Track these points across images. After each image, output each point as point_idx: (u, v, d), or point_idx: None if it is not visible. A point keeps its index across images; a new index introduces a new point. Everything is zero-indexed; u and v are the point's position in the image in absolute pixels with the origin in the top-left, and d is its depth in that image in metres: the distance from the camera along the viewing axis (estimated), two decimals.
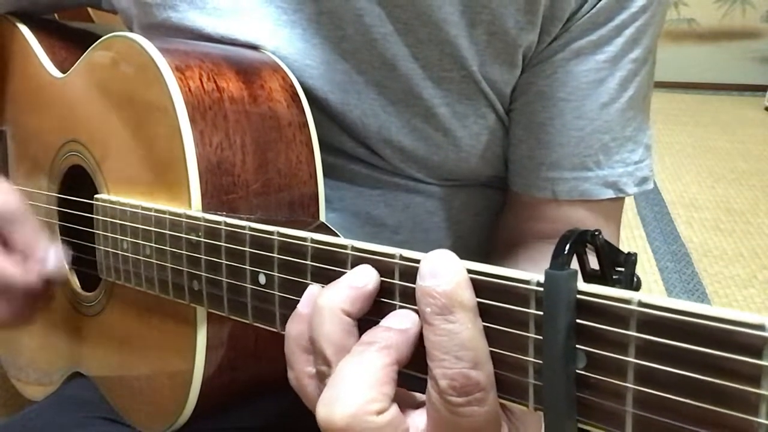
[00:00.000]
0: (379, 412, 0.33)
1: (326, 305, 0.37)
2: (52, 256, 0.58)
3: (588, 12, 0.58)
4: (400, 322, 0.35)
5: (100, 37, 0.60)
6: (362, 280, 0.37)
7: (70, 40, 0.74)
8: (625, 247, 0.36)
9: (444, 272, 0.33)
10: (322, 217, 0.57)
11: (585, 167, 0.62)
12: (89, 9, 0.86)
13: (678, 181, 2.69)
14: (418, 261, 0.34)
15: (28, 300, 0.58)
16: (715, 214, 2.36)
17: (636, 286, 0.33)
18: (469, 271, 0.33)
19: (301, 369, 0.39)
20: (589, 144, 0.61)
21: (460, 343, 0.32)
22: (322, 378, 0.37)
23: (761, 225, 2.28)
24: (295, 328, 0.39)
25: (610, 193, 0.63)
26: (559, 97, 0.61)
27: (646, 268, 1.97)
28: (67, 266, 0.60)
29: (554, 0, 0.57)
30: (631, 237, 2.19)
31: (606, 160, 0.62)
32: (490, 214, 0.71)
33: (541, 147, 0.62)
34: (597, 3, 0.58)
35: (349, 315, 0.36)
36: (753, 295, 1.86)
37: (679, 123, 3.55)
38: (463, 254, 0.34)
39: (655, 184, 2.60)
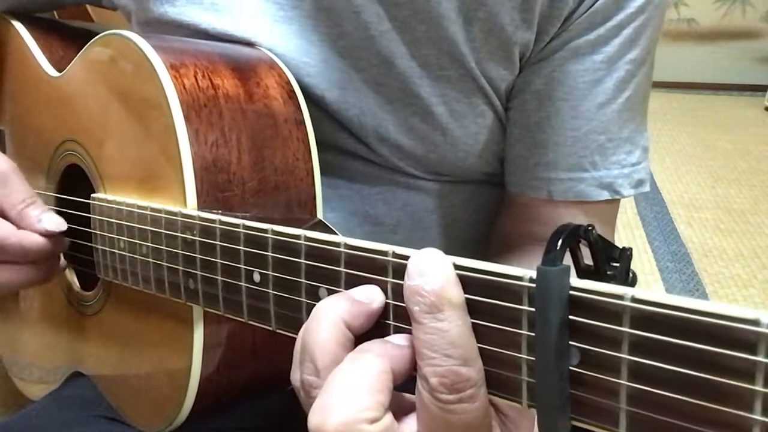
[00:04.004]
0: (372, 421, 0.32)
1: (325, 312, 0.36)
2: (47, 218, 0.58)
3: (586, 11, 0.58)
4: (398, 339, 0.35)
5: (96, 35, 0.60)
6: (366, 296, 0.36)
7: (67, 39, 0.73)
8: None
9: (431, 270, 0.32)
10: (320, 215, 0.57)
11: (581, 168, 0.62)
12: (89, 7, 0.86)
13: (678, 181, 2.69)
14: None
15: (27, 259, 0.58)
16: (715, 214, 2.36)
17: (631, 281, 0.33)
18: (462, 268, 0.33)
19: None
20: (586, 144, 0.61)
21: (450, 340, 0.31)
22: (309, 388, 0.36)
23: (761, 225, 2.27)
24: None
25: (605, 195, 0.63)
26: (556, 96, 0.60)
27: (646, 268, 1.97)
28: (64, 226, 0.59)
29: (552, 0, 0.57)
30: (631, 237, 2.19)
31: (602, 161, 0.62)
32: (489, 212, 0.71)
33: (538, 146, 0.62)
34: (595, 2, 0.58)
35: (348, 328, 0.36)
36: (753, 295, 1.86)
37: (679, 123, 3.55)
38: (461, 252, 0.34)
39: (655, 184, 2.61)
